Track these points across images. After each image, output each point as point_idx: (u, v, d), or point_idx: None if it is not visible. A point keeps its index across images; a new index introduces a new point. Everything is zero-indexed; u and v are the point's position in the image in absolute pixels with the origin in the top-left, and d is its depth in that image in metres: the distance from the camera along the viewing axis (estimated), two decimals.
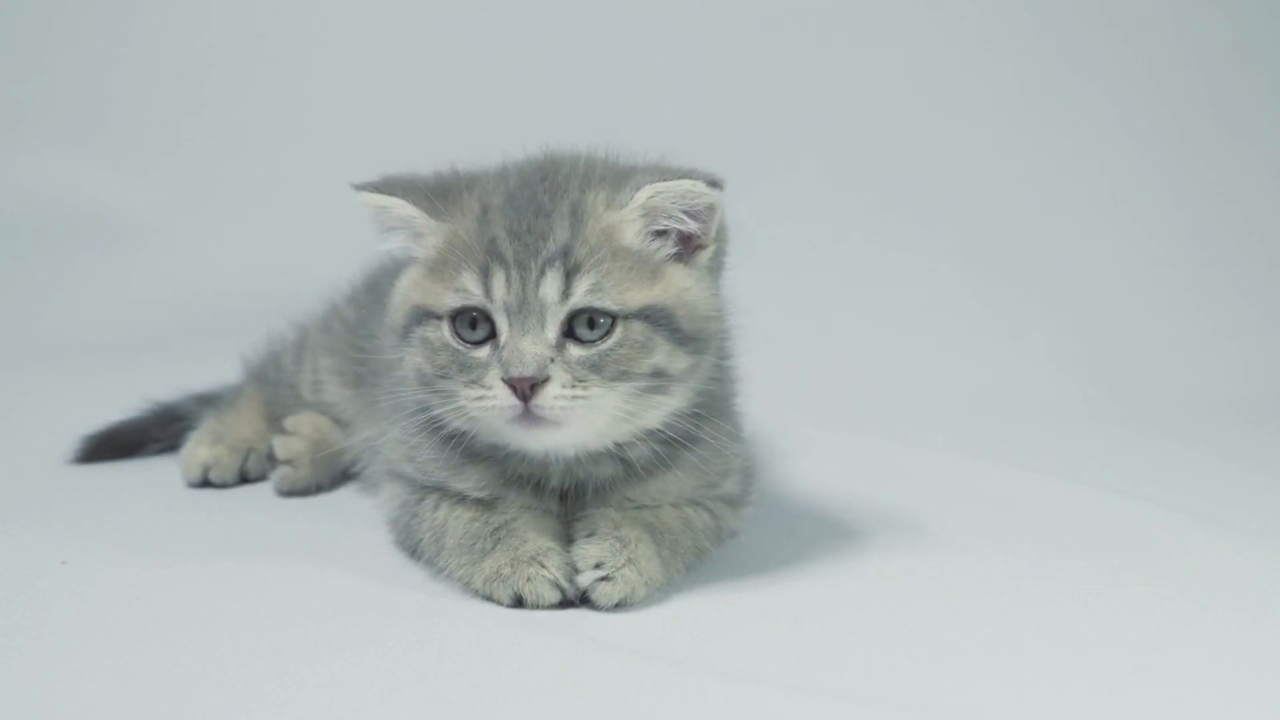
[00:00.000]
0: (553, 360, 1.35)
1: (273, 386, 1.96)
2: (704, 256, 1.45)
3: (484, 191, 1.44)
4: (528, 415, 1.35)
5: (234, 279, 2.79)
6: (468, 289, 1.38)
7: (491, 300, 1.37)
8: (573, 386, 1.35)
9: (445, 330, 1.40)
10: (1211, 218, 2.96)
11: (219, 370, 2.06)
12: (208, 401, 1.99)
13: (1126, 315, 2.86)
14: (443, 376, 1.40)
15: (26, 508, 1.71)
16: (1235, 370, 2.76)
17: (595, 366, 1.36)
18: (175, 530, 1.65)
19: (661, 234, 1.42)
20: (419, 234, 1.46)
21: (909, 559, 1.60)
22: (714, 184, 1.41)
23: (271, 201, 2.89)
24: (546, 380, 1.34)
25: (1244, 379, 2.74)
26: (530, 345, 1.35)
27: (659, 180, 1.41)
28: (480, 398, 1.37)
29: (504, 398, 1.35)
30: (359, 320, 1.86)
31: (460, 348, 1.39)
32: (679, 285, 1.42)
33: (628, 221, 1.40)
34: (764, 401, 1.72)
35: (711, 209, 1.42)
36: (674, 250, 1.43)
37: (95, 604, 1.39)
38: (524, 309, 1.36)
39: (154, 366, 2.31)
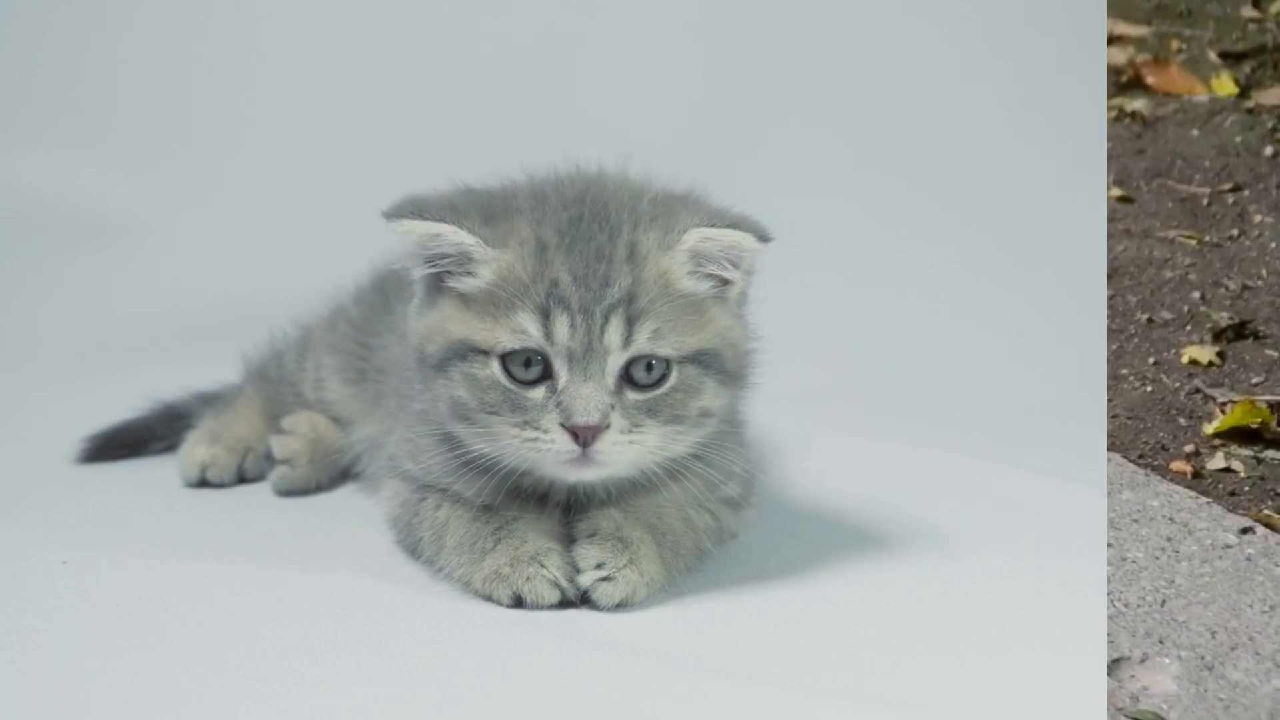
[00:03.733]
0: (613, 407, 1.34)
1: (274, 385, 1.95)
2: (734, 292, 1.45)
3: (532, 219, 1.40)
4: (581, 458, 1.35)
5: (235, 279, 2.79)
6: (526, 330, 1.35)
7: (552, 344, 1.34)
8: (629, 431, 1.35)
9: (495, 368, 1.36)
10: None
11: (220, 370, 2.05)
12: (211, 401, 1.98)
13: None
14: (490, 414, 1.37)
15: (27, 508, 1.71)
16: None
17: (651, 410, 1.36)
18: (175, 530, 1.65)
19: (704, 276, 1.42)
20: (471, 263, 1.38)
21: (909, 559, 1.60)
22: (764, 239, 1.41)
23: (273, 202, 2.88)
24: (607, 426, 1.34)
25: None
26: (594, 393, 1.33)
27: (706, 225, 1.40)
28: (534, 439, 1.34)
29: (563, 443, 1.34)
30: (364, 318, 1.85)
31: (512, 388, 1.36)
32: (722, 325, 1.42)
33: (678, 264, 1.40)
34: (764, 401, 1.72)
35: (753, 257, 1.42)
36: (713, 290, 1.43)
37: (95, 604, 1.39)
38: (588, 355, 1.34)
39: (154, 367, 2.30)
